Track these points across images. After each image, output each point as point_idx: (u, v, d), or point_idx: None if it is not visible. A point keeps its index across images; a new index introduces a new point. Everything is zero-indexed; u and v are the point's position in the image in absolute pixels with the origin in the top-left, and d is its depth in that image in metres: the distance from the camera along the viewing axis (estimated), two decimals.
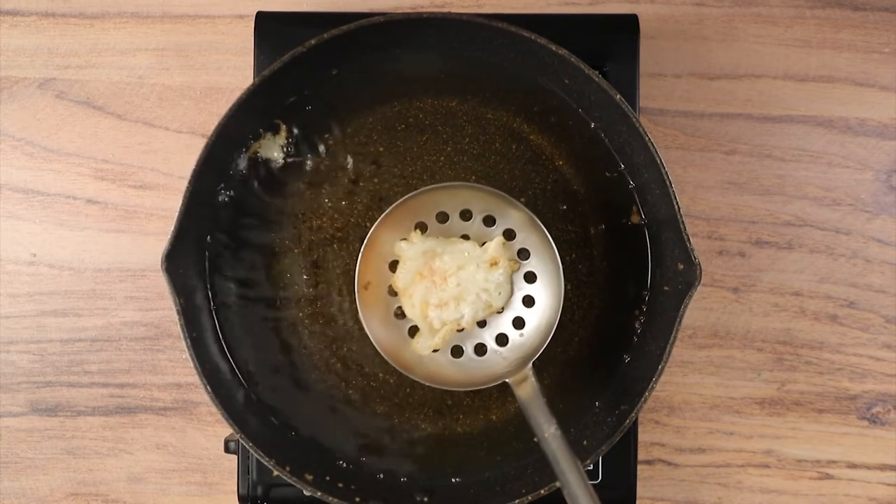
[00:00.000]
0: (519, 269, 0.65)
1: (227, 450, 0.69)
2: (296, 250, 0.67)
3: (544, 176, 0.68)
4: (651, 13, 0.75)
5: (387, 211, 0.65)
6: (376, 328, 0.65)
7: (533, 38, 0.63)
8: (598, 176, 0.67)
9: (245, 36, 0.74)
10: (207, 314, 0.66)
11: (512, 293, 0.65)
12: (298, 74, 0.65)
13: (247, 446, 0.62)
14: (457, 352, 0.65)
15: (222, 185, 0.66)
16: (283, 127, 0.67)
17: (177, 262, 0.62)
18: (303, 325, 0.67)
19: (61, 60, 0.76)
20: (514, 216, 0.65)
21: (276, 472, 0.63)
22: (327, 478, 0.65)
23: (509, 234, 0.65)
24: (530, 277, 0.65)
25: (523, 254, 0.65)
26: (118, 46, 0.76)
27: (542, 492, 0.62)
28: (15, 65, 0.75)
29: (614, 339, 0.67)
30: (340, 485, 0.65)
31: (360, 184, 0.68)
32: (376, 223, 0.65)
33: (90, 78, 0.76)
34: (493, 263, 0.64)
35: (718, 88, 0.75)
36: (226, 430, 0.74)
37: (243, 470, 0.70)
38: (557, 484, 0.60)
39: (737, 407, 0.76)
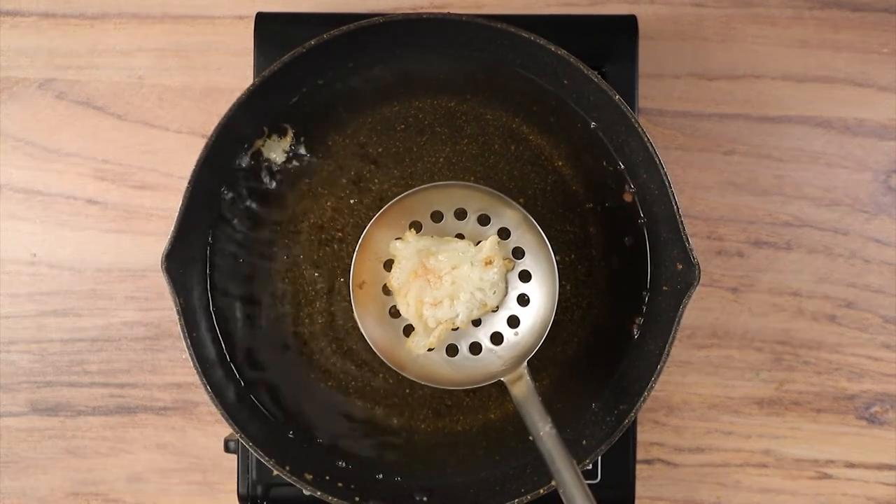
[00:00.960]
0: (513, 267, 0.65)
1: (227, 449, 0.69)
2: (296, 251, 0.68)
3: (543, 176, 0.68)
4: (650, 14, 0.75)
5: (381, 210, 0.65)
6: (371, 327, 0.65)
7: (532, 38, 0.63)
8: (598, 176, 0.67)
9: (245, 36, 0.74)
10: (207, 314, 0.66)
11: (506, 292, 0.65)
12: (298, 75, 0.65)
13: (247, 446, 0.62)
14: (452, 350, 0.65)
15: (223, 185, 0.66)
16: (290, 130, 0.67)
17: (177, 262, 0.62)
18: (302, 325, 0.68)
19: (61, 61, 0.76)
20: (509, 215, 0.65)
21: (276, 472, 0.63)
22: (327, 477, 0.65)
23: (504, 233, 0.65)
24: (525, 276, 0.65)
25: (518, 253, 0.65)
26: (118, 47, 0.76)
27: (542, 491, 0.62)
28: (15, 65, 0.76)
29: (613, 338, 0.67)
30: (340, 485, 0.65)
31: (360, 184, 0.68)
32: (371, 222, 0.65)
33: (90, 78, 0.76)
34: (488, 262, 0.63)
35: (717, 89, 0.75)
36: (226, 429, 0.74)
37: (243, 470, 0.70)
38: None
39: (735, 407, 0.76)
